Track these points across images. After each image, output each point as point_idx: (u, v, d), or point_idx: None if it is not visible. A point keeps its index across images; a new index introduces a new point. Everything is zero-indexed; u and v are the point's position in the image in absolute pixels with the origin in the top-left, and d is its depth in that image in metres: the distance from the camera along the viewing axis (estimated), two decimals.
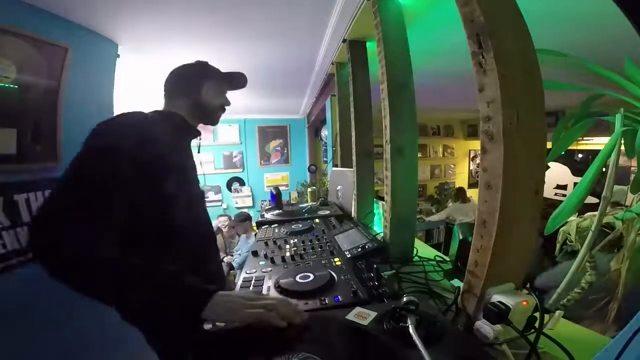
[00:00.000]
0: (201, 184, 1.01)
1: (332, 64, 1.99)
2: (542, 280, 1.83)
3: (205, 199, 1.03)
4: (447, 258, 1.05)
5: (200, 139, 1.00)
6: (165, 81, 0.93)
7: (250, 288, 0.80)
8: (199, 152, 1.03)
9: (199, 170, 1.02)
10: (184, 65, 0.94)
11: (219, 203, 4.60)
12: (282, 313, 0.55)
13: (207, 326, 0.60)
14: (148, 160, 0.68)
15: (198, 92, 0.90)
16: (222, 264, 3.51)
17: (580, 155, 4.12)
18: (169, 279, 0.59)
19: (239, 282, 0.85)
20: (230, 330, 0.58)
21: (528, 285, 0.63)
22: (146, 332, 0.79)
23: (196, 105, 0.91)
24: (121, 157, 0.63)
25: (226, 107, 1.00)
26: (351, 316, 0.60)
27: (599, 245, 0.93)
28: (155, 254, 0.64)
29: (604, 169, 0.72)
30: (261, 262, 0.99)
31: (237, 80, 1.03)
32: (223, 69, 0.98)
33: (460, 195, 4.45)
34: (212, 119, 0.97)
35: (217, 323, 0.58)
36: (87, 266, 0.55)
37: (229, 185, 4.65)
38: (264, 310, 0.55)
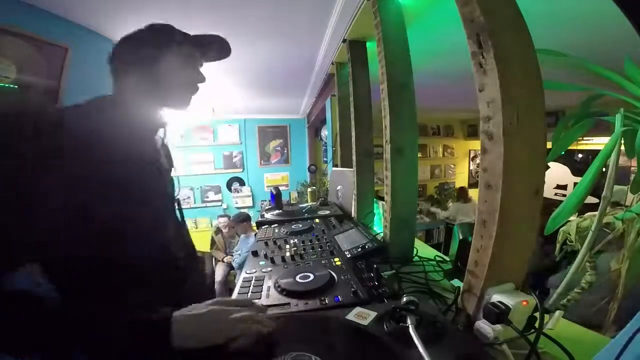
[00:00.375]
0: (176, 190, 0.79)
1: (332, 64, 1.99)
2: (555, 280, 1.83)
3: (178, 209, 0.78)
4: (447, 258, 1.05)
5: (165, 131, 0.75)
6: (110, 54, 0.67)
7: (250, 288, 0.80)
8: (163, 144, 0.76)
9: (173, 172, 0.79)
10: (136, 31, 0.69)
11: (219, 203, 4.60)
12: (261, 321, 0.52)
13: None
14: (79, 175, 0.50)
15: (156, 65, 0.66)
16: (220, 269, 3.50)
17: (580, 155, 4.12)
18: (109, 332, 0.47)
19: (239, 283, 0.85)
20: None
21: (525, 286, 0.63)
22: None
23: (155, 84, 0.66)
24: (37, 177, 0.46)
25: (200, 85, 0.75)
26: (351, 316, 0.60)
27: (599, 245, 0.94)
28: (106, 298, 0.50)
29: (604, 169, 0.72)
30: (261, 262, 0.98)
31: (213, 48, 0.76)
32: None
33: (461, 195, 4.46)
34: (180, 102, 0.72)
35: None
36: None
37: (229, 185, 4.65)
38: (244, 325, 0.51)
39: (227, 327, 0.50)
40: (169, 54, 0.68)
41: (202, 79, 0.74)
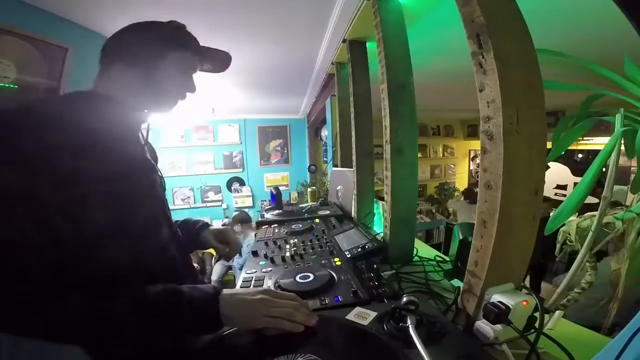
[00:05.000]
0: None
1: (332, 64, 1.99)
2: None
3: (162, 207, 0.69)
4: (447, 258, 1.05)
5: (148, 125, 0.70)
6: (108, 40, 0.62)
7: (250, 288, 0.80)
8: (145, 141, 0.70)
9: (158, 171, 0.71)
10: (147, 22, 0.65)
11: (219, 203, 4.60)
12: (301, 320, 0.54)
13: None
14: (64, 174, 0.46)
15: (156, 63, 0.62)
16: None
17: (580, 155, 4.13)
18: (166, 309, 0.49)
19: (239, 283, 0.85)
20: (228, 333, 0.57)
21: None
22: None
23: (147, 82, 0.62)
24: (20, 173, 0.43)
25: (188, 94, 0.70)
26: (351, 316, 0.60)
27: (598, 245, 0.93)
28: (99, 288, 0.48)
29: (604, 169, 0.72)
30: (261, 262, 0.98)
31: (216, 62, 0.74)
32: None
33: (469, 195, 4.44)
34: (165, 106, 0.67)
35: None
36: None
37: (229, 185, 4.65)
38: (284, 319, 0.53)
39: (268, 317, 0.52)
40: (170, 57, 0.64)
41: (193, 89, 0.70)
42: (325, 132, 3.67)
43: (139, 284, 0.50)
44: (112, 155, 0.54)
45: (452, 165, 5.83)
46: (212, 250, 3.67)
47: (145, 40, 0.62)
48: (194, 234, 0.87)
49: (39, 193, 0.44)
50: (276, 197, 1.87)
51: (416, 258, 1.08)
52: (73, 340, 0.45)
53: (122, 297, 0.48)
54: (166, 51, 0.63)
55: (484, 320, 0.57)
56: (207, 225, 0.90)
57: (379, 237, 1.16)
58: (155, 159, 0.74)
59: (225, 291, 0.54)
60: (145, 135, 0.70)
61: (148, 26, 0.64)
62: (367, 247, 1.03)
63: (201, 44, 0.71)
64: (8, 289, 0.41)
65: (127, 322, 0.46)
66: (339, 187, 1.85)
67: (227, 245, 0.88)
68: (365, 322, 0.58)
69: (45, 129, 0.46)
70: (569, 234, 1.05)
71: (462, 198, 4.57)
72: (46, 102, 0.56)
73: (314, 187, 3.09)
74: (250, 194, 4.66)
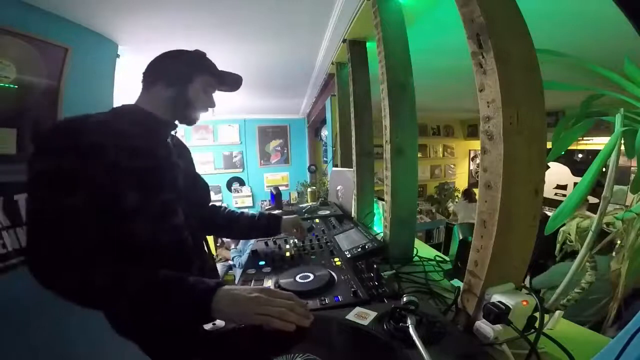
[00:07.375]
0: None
1: (332, 64, 1.99)
2: (540, 281, 1.84)
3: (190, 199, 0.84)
4: (447, 258, 1.05)
5: (175, 132, 0.85)
6: (149, 65, 0.78)
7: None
8: (174, 144, 0.85)
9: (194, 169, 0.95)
10: (178, 51, 0.81)
11: (219, 203, 4.59)
12: (293, 320, 0.54)
13: (207, 326, 0.60)
14: (108, 166, 0.61)
15: (186, 84, 0.78)
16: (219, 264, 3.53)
17: (580, 155, 4.13)
18: (170, 284, 0.57)
19: (239, 283, 0.85)
20: (230, 329, 0.58)
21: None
22: (142, 343, 0.72)
23: (179, 99, 0.77)
24: (76, 171, 0.57)
25: (210, 109, 0.87)
26: (351, 316, 0.60)
27: (598, 245, 0.93)
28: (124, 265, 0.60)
29: (604, 169, 0.71)
30: (261, 262, 0.98)
31: (230, 83, 0.90)
32: (222, 69, 0.88)
33: (468, 194, 4.46)
34: (191, 119, 0.82)
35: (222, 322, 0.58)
36: (95, 286, 0.55)
37: (229, 185, 4.65)
38: (276, 318, 0.53)
39: (257, 317, 0.54)
40: (197, 79, 0.79)
41: (214, 105, 0.86)
42: (325, 132, 3.67)
43: (153, 266, 0.60)
44: (145, 154, 0.69)
45: (452, 165, 5.83)
46: (212, 250, 3.68)
47: (178, 66, 0.78)
48: (276, 222, 1.11)
49: (90, 177, 0.58)
50: (276, 197, 1.87)
51: (416, 258, 1.08)
52: (96, 301, 0.57)
53: (136, 273, 0.57)
54: (194, 75, 0.79)
55: (484, 320, 0.57)
56: (281, 217, 1.14)
57: (379, 237, 1.16)
58: (187, 158, 0.93)
59: (225, 287, 0.57)
60: (172, 140, 0.84)
61: (179, 54, 0.80)
62: (367, 247, 1.03)
63: (202, 46, 0.83)
64: (64, 250, 0.54)
65: (136, 295, 0.55)
66: (339, 187, 1.85)
67: (298, 229, 1.13)
68: (365, 322, 0.58)
69: (98, 131, 0.62)
70: (569, 234, 1.05)
71: (463, 198, 4.59)
72: (100, 113, 0.69)
73: (314, 187, 3.09)
74: (250, 194, 4.66)
